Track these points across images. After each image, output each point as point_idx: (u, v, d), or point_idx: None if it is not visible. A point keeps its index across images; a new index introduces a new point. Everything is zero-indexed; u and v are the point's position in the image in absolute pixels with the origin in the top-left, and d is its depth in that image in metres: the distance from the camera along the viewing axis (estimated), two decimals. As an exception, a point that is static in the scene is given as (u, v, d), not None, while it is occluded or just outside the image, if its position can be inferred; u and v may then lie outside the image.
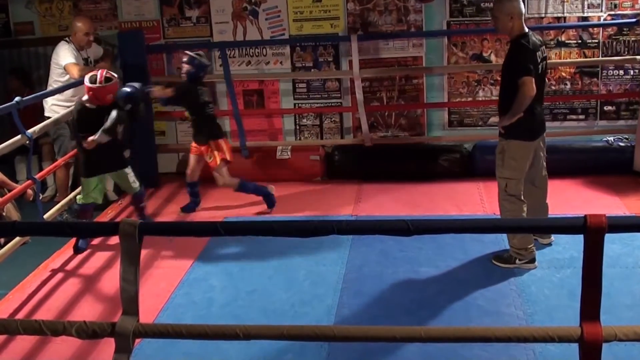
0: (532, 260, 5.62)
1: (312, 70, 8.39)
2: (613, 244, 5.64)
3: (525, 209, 5.62)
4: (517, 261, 5.61)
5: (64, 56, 7.15)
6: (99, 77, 6.17)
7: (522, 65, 5.32)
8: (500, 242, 5.99)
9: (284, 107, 8.55)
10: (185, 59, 6.88)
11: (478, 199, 7.19)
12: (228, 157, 6.97)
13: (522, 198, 5.63)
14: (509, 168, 5.59)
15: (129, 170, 6.62)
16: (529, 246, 5.60)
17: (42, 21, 8.62)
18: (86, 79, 6.21)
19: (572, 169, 7.67)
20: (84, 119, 6.24)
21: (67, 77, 7.14)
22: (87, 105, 6.26)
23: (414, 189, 7.61)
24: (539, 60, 5.43)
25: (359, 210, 7.11)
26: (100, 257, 6.31)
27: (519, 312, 4.97)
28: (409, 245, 5.91)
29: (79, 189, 7.07)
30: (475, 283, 5.44)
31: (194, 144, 7.09)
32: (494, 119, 8.20)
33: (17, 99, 6.00)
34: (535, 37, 5.53)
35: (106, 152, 6.26)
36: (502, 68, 5.67)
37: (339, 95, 8.43)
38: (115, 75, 6.33)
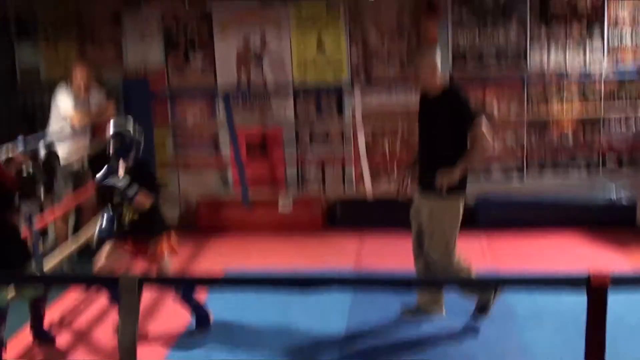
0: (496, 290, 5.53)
1: (316, 118, 8.42)
2: (616, 300, 5.57)
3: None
4: (490, 302, 5.55)
5: (63, 102, 7.19)
6: None
7: (472, 109, 5.26)
8: (502, 298, 5.93)
9: (287, 155, 8.57)
10: (114, 138, 5.45)
11: (480, 252, 7.15)
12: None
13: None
14: (453, 227, 5.47)
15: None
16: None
17: (48, 66, 8.67)
18: None
19: (575, 222, 7.64)
20: None
21: (66, 121, 7.15)
22: None
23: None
24: None
25: (360, 263, 7.06)
26: (96, 307, 6.24)
27: (521, 370, 4.92)
28: (411, 299, 5.86)
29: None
30: (477, 341, 5.39)
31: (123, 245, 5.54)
32: (497, 171, 8.19)
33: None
34: None
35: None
36: (433, 121, 5.44)
37: (342, 143, 8.44)
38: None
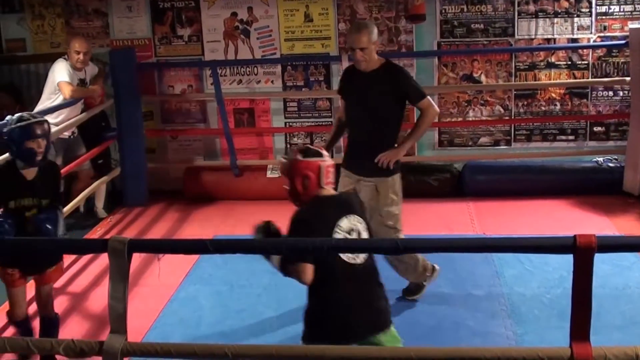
0: (433, 269, 5.47)
1: (303, 89, 8.42)
2: (603, 264, 5.57)
3: None
4: (424, 283, 5.50)
5: (59, 73, 7.09)
6: None
7: (417, 86, 5.15)
8: (490, 262, 5.99)
9: (274, 125, 8.57)
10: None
11: (468, 219, 7.19)
12: None
13: None
14: (397, 204, 5.30)
15: None
16: (427, 273, 5.44)
17: (34, 38, 8.61)
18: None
19: (562, 189, 7.70)
20: None
21: (59, 94, 7.10)
22: None
23: (403, 208, 7.58)
24: None
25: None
26: (89, 274, 6.27)
27: (508, 333, 4.97)
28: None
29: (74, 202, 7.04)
30: (465, 303, 5.44)
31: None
32: (484, 139, 8.24)
33: (8, 117, 5.95)
34: None
35: None
36: (371, 98, 5.13)
37: (330, 114, 8.45)
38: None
